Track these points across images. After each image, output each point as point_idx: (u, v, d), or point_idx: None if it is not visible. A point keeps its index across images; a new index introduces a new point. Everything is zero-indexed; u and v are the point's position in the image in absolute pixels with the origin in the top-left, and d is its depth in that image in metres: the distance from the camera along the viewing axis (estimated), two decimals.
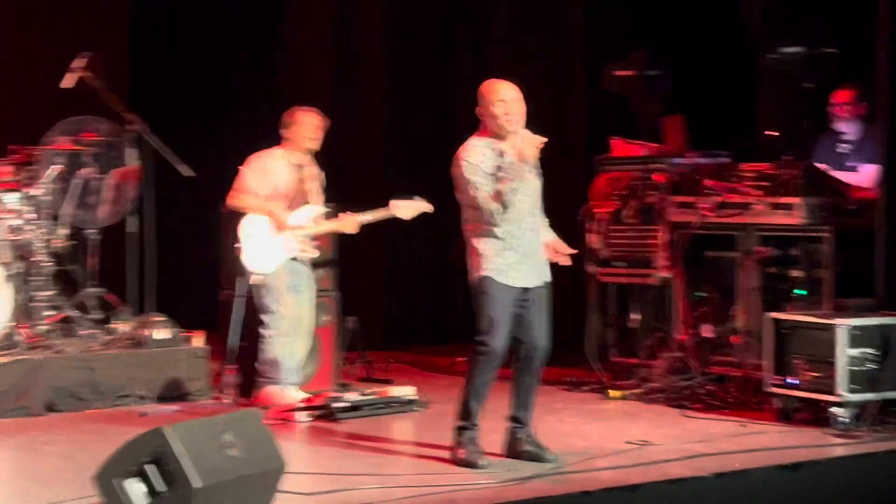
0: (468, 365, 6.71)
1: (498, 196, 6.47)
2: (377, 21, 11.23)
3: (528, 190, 6.59)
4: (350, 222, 8.29)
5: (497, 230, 6.53)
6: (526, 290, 6.62)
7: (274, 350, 8.16)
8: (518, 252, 6.57)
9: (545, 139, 6.55)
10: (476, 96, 6.67)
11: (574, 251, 6.85)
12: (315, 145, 8.32)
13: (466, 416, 6.62)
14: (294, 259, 8.26)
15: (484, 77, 6.81)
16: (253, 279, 8.18)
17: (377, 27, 11.24)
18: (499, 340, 6.54)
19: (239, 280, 8.33)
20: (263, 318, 8.20)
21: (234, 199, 8.26)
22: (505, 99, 6.54)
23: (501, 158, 6.53)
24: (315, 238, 8.33)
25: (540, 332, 6.67)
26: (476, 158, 6.53)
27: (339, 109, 11.24)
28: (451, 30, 11.35)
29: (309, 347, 8.36)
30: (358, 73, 11.30)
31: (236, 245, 8.20)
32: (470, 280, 6.66)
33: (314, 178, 8.38)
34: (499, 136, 6.57)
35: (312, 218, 8.32)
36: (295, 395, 8.10)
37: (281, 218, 8.17)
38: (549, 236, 6.81)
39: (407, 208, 8.25)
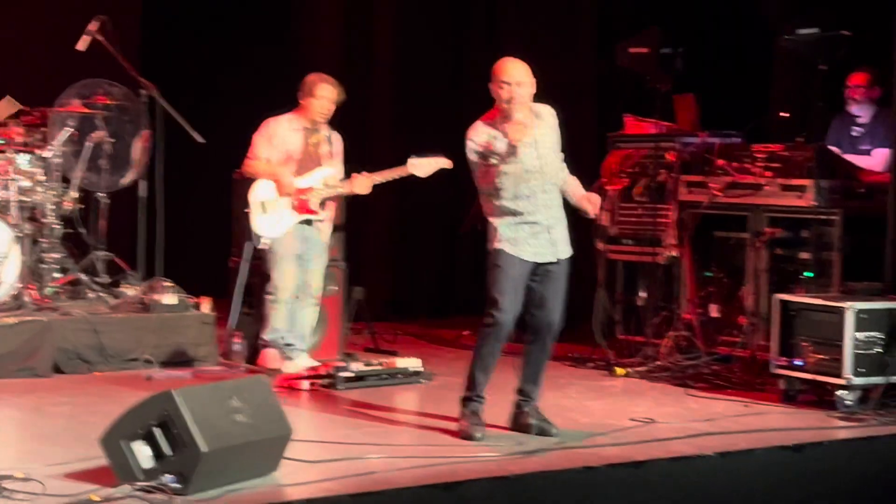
0: (476, 336, 6.72)
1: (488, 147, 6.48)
2: None
3: (542, 167, 6.58)
4: (362, 182, 8.20)
5: (510, 208, 6.54)
6: (540, 265, 6.61)
7: (269, 315, 8.18)
8: (532, 226, 6.57)
9: (527, 125, 6.50)
10: (489, 73, 6.64)
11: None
12: (324, 118, 8.28)
13: (472, 387, 6.64)
14: (307, 224, 8.23)
15: (493, 52, 6.79)
16: (261, 244, 8.20)
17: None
18: (506, 313, 6.54)
19: (246, 245, 8.36)
20: (268, 284, 8.23)
21: (246, 167, 8.28)
22: (510, 82, 6.49)
23: (495, 141, 6.52)
24: (328, 200, 8.29)
25: (553, 308, 6.65)
26: (478, 139, 6.56)
27: (350, 80, 11.24)
28: (462, 4, 11.32)
29: (316, 316, 8.35)
30: (369, 44, 11.28)
31: (246, 210, 8.22)
32: (488, 254, 6.67)
33: (326, 141, 8.34)
34: (504, 117, 6.57)
35: (324, 180, 8.28)
36: (297, 362, 8.16)
37: (285, 180, 8.16)
38: (581, 191, 6.78)
39: (424, 166, 8.09)
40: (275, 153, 8.23)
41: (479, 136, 6.56)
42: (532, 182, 6.55)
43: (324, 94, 8.23)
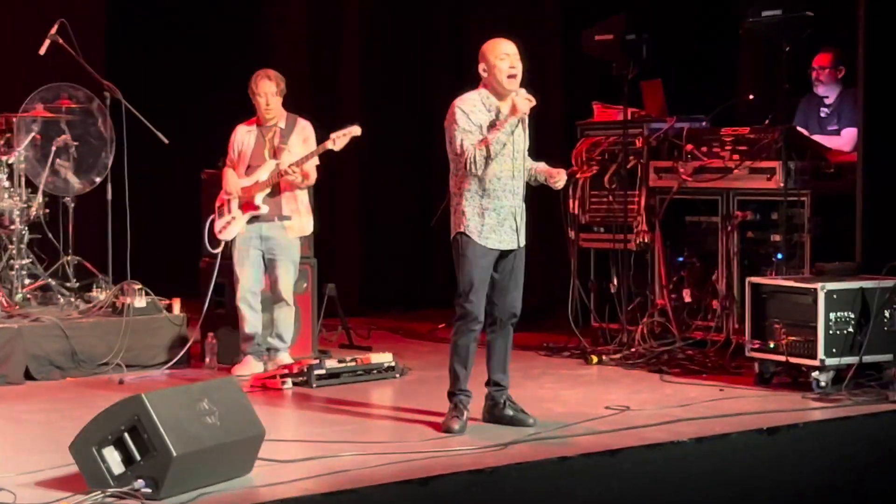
0: (452, 329, 6.70)
1: (484, 143, 6.45)
2: None
3: (514, 152, 6.56)
4: (290, 170, 8.09)
5: (479, 189, 6.52)
6: (503, 252, 6.61)
7: (241, 323, 8.19)
8: (498, 213, 6.55)
9: (534, 102, 6.53)
10: (478, 56, 6.64)
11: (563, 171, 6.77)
12: (269, 114, 8.21)
13: (453, 381, 6.64)
14: (267, 222, 8.17)
15: (459, 43, 6.78)
16: (214, 249, 8.19)
17: None
18: (476, 304, 6.54)
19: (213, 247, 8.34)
20: None
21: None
22: (509, 53, 6.57)
23: (493, 114, 6.53)
24: (276, 192, 8.21)
25: (515, 297, 6.66)
26: (468, 107, 6.54)
27: (316, 75, 11.21)
28: None
29: (292, 315, 8.31)
30: (336, 38, 11.23)
31: (211, 217, 8.22)
32: (451, 236, 6.65)
33: (280, 134, 8.26)
34: (497, 93, 6.56)
35: (267, 173, 8.21)
36: (277, 359, 8.15)
37: (230, 181, 8.19)
38: (540, 164, 6.77)
39: (341, 138, 8.08)
40: (236, 157, 8.25)
41: (468, 104, 6.53)
42: (505, 166, 6.53)
43: (260, 90, 8.19)
